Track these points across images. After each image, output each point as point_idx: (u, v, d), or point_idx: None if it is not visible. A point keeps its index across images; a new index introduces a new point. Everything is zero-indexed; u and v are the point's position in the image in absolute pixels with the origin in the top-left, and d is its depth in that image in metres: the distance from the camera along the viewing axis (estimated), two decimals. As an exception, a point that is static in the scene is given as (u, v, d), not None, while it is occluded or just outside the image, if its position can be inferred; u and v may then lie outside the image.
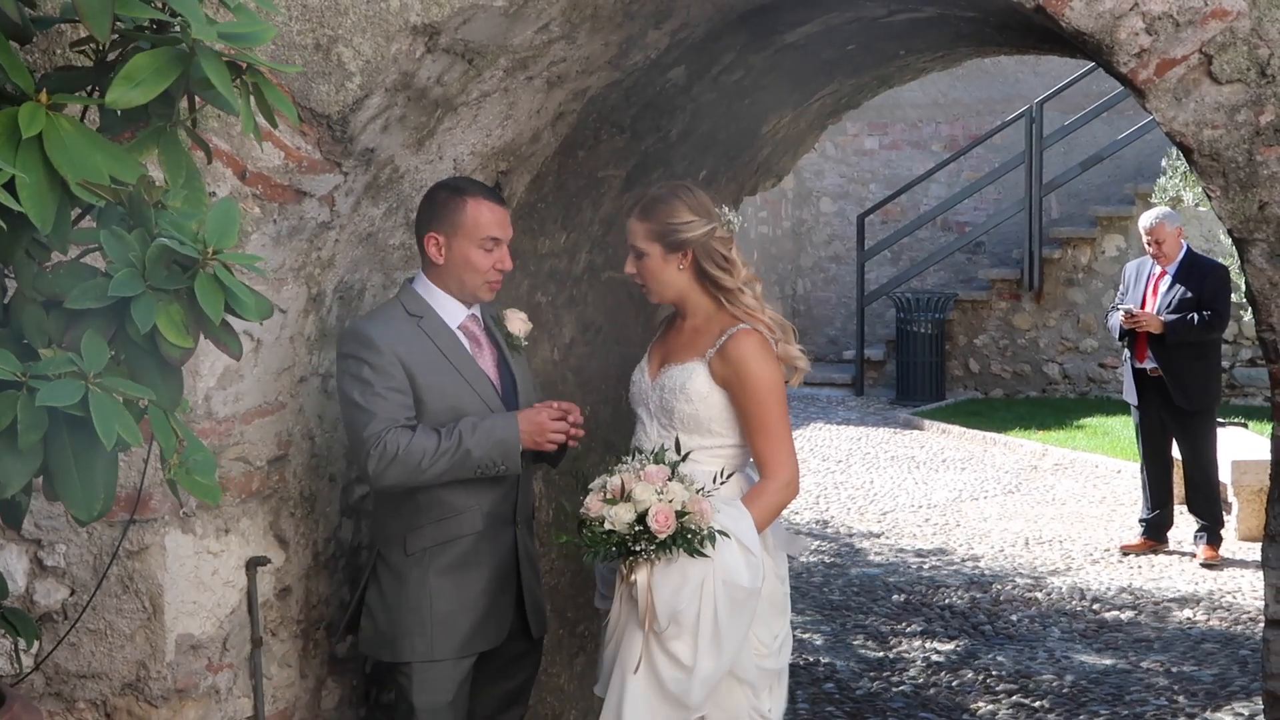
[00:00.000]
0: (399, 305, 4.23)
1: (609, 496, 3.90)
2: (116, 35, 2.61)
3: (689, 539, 3.85)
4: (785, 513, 4.37)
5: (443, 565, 4.20)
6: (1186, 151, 3.94)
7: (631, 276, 4.35)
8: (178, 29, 2.56)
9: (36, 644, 3.91)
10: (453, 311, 4.26)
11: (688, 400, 4.16)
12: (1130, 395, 9.69)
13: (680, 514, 3.85)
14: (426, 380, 4.13)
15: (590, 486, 3.99)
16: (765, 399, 4.12)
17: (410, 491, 4.14)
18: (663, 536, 3.83)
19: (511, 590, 4.32)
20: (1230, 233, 3.98)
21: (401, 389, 4.09)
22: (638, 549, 3.86)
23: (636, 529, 3.84)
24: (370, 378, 4.06)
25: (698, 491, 3.92)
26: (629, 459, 4.02)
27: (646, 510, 3.83)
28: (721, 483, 4.03)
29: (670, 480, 3.91)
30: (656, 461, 3.97)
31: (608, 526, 3.86)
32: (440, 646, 4.19)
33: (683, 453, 4.06)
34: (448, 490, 4.15)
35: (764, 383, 4.12)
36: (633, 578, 3.93)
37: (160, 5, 2.61)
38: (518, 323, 4.44)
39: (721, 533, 3.91)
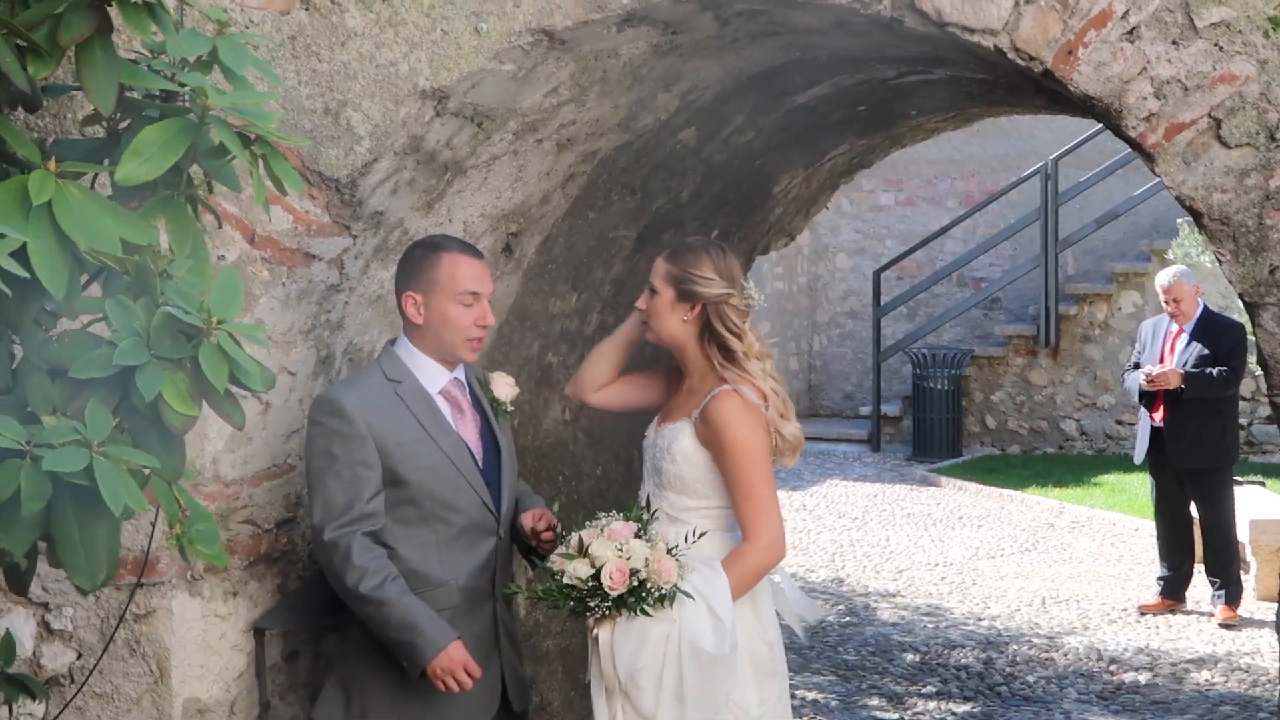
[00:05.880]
0: (378, 370, 4.04)
1: (569, 551, 3.89)
2: (125, 103, 2.62)
3: (642, 597, 3.83)
4: (800, 570, 4.34)
5: None
6: (1196, 215, 3.92)
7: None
8: (185, 100, 2.58)
9: (44, 707, 3.90)
10: (433, 376, 4.07)
11: (672, 460, 4.14)
12: (1140, 454, 9.66)
13: (634, 571, 3.83)
14: (400, 451, 3.93)
15: (562, 540, 3.99)
16: (743, 460, 4.05)
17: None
18: (615, 593, 3.81)
19: (495, 666, 4.11)
20: (1241, 296, 3.95)
21: (368, 463, 3.88)
22: (592, 604, 3.85)
23: (591, 584, 3.84)
24: (338, 451, 3.87)
25: (668, 551, 3.90)
26: (599, 515, 4.01)
27: (603, 567, 3.83)
28: (693, 542, 4.00)
29: (636, 537, 3.89)
30: (627, 519, 3.96)
31: (566, 581, 3.86)
32: None
33: (652, 510, 4.05)
34: (424, 562, 3.95)
35: (741, 444, 4.06)
36: (595, 633, 3.92)
37: (169, 76, 2.63)
38: (504, 387, 4.23)
39: (685, 593, 3.89)
